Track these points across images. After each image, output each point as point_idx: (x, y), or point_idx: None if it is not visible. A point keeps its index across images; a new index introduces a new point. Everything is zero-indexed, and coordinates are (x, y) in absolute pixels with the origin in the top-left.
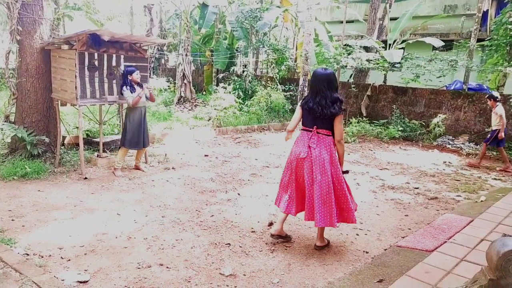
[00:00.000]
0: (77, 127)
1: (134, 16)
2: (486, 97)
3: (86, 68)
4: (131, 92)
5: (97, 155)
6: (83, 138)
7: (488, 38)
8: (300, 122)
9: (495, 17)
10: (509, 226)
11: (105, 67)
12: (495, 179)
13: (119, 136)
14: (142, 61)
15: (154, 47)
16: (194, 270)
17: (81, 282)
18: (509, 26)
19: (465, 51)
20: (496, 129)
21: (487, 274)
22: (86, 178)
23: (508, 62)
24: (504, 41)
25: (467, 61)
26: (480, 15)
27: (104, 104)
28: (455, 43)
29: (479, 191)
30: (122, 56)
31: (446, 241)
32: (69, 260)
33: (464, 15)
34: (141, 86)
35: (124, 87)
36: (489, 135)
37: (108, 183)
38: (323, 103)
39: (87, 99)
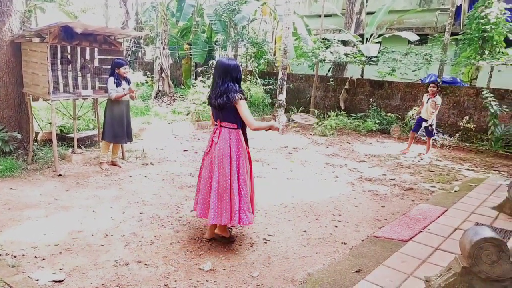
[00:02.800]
0: (50, 123)
1: (109, 8)
2: (433, 83)
3: (58, 61)
4: (117, 86)
5: (72, 151)
6: (57, 134)
7: (462, 32)
8: None
9: (468, 12)
10: (481, 215)
11: (78, 61)
12: (468, 169)
13: (94, 132)
14: (117, 54)
15: (130, 40)
16: (173, 266)
17: (56, 281)
18: (481, 21)
19: (440, 45)
20: (426, 118)
21: (460, 262)
22: (60, 175)
23: (481, 56)
24: (477, 35)
25: (441, 55)
26: (454, 9)
27: (78, 99)
28: (430, 37)
29: (453, 182)
30: (96, 49)
31: (421, 231)
32: (43, 259)
33: (439, 9)
34: (128, 81)
35: (110, 78)
36: (430, 127)
37: (83, 180)
38: (217, 93)
39: (60, 94)
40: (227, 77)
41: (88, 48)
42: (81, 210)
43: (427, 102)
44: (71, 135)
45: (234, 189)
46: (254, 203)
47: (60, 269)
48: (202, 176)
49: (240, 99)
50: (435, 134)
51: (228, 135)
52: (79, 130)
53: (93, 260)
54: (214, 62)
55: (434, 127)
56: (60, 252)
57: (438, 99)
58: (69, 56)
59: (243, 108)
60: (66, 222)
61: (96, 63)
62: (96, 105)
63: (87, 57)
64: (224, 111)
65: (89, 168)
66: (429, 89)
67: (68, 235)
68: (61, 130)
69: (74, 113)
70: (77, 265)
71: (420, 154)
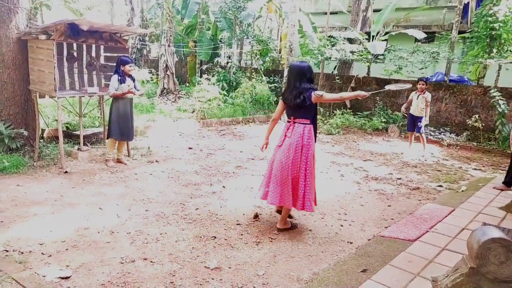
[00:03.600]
0: (56, 120)
1: (114, 6)
2: (422, 80)
3: (64, 58)
4: (120, 83)
5: (78, 149)
6: (63, 131)
7: (469, 30)
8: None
9: (475, 10)
10: (489, 215)
11: (84, 58)
12: (475, 169)
13: (100, 129)
14: (123, 51)
15: (136, 37)
16: (179, 264)
17: (63, 278)
18: (489, 19)
19: (447, 43)
20: (420, 116)
21: (467, 263)
22: (66, 172)
23: (488, 54)
24: (484, 33)
25: (449, 53)
26: (461, 7)
27: (84, 96)
28: (437, 35)
29: (460, 181)
30: (101, 47)
31: (428, 231)
32: (50, 255)
33: (446, 7)
34: (133, 79)
35: (114, 75)
36: (419, 123)
37: (89, 177)
38: (294, 94)
39: (66, 91)
40: (303, 78)
41: (94, 46)
42: (87, 207)
43: (417, 99)
44: (77, 132)
45: (301, 179)
46: (316, 194)
47: (67, 266)
48: (274, 167)
49: (321, 95)
50: (422, 131)
51: (302, 130)
52: (85, 127)
53: (100, 257)
54: (218, 59)
55: (423, 123)
56: (66, 249)
57: (428, 96)
58: (75, 54)
59: (326, 97)
60: (72, 219)
61: (102, 61)
62: (102, 102)
63: (93, 54)
64: (300, 109)
65: (95, 165)
66: (418, 86)
67: (75, 232)
68: (67, 127)
69: (80, 110)
70: (84, 261)
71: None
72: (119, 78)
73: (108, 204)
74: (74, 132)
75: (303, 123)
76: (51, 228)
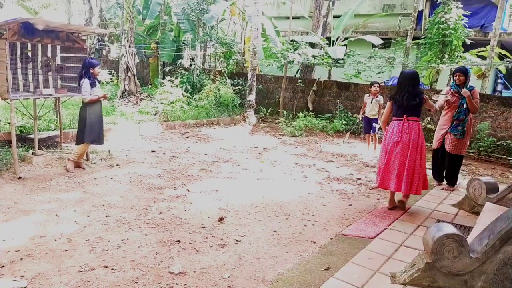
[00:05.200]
0: (9, 123)
1: (72, 5)
2: (377, 83)
3: (18, 59)
4: (91, 87)
5: (32, 153)
6: (16, 135)
7: (423, 36)
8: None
9: (429, 17)
10: (442, 212)
11: (39, 58)
12: (429, 168)
13: (56, 132)
14: (80, 51)
15: (94, 37)
16: (142, 270)
17: None
18: (441, 26)
19: (402, 48)
20: (375, 118)
21: (424, 258)
22: (20, 177)
23: (440, 60)
24: (437, 39)
25: (404, 58)
26: (416, 14)
27: (39, 98)
28: (393, 41)
29: None
30: (58, 47)
31: (386, 228)
32: (2, 266)
33: (401, 14)
34: (98, 81)
35: (85, 79)
36: (373, 124)
37: (45, 183)
38: (410, 97)
39: (19, 93)
40: (416, 83)
41: (50, 46)
42: (43, 214)
43: (371, 102)
44: (32, 136)
45: (417, 168)
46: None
47: (22, 276)
48: (392, 160)
49: (428, 99)
50: (378, 132)
51: (416, 127)
52: (40, 131)
53: (57, 266)
54: (182, 61)
55: (378, 125)
56: (21, 258)
57: (381, 99)
58: (29, 54)
59: (429, 101)
60: (27, 227)
61: (58, 61)
62: (58, 104)
63: (49, 54)
64: (414, 109)
65: (50, 170)
66: (372, 88)
67: (30, 241)
68: (20, 131)
69: (35, 113)
70: (40, 271)
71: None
72: (90, 82)
73: (66, 211)
74: (29, 136)
75: (415, 121)
76: (4, 237)
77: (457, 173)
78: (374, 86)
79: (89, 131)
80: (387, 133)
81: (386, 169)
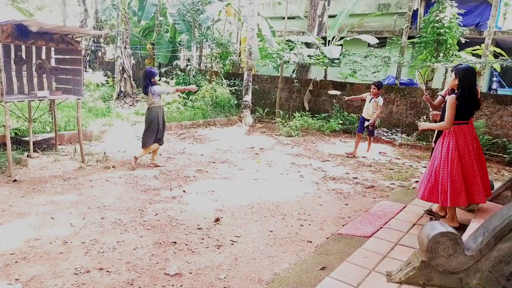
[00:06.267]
0: (3, 126)
1: (67, 6)
2: (374, 84)
3: (12, 61)
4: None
5: (27, 155)
6: (11, 137)
7: (418, 35)
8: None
9: (424, 16)
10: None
11: (34, 61)
12: (424, 167)
13: (51, 134)
14: (75, 53)
15: (90, 39)
16: (137, 272)
17: None
18: (436, 25)
19: (397, 48)
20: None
21: (419, 256)
22: (15, 180)
23: (436, 58)
24: (432, 38)
25: (399, 57)
26: (411, 13)
27: (33, 100)
28: (388, 40)
29: (411, 179)
30: (52, 49)
31: (382, 227)
32: None
33: (397, 13)
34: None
35: (152, 87)
36: (370, 127)
37: (40, 185)
38: (476, 99)
39: (14, 95)
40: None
41: (44, 48)
42: (38, 217)
43: (369, 102)
44: (27, 138)
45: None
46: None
47: (16, 279)
48: (471, 170)
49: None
50: (376, 133)
51: (472, 126)
52: (35, 133)
53: (52, 269)
54: (177, 62)
55: (375, 126)
56: (16, 262)
57: (380, 100)
58: (23, 56)
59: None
60: (22, 230)
61: (53, 63)
62: (53, 106)
63: (43, 56)
64: (473, 110)
65: (46, 172)
66: (371, 89)
67: (25, 243)
68: (15, 133)
69: (30, 115)
70: (35, 274)
71: (364, 156)
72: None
73: (61, 213)
74: (24, 138)
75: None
76: None
77: None
78: (372, 87)
79: (157, 133)
80: (450, 142)
81: (461, 182)
